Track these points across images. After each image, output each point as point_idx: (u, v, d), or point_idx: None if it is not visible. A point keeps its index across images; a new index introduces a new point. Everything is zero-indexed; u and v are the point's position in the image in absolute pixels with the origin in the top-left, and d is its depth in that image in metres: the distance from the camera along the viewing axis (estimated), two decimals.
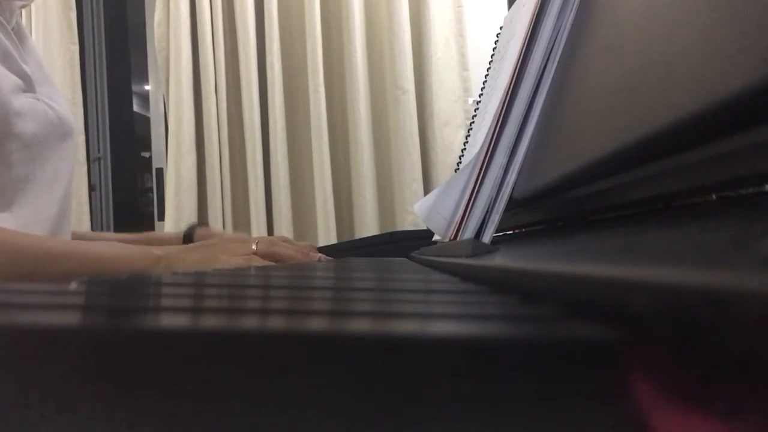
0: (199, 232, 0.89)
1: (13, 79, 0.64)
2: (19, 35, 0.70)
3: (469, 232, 0.42)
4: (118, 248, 0.68)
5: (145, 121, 2.00)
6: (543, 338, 0.10)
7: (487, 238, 0.41)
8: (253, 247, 0.66)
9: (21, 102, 0.65)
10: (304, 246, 0.83)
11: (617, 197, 0.30)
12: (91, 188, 1.90)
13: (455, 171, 0.55)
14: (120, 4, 2.09)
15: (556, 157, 0.35)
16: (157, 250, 0.63)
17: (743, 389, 0.08)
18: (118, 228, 2.04)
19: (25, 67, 0.67)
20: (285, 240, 0.75)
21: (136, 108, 2.48)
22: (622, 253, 0.17)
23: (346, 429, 0.10)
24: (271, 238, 0.71)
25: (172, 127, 1.68)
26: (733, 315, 0.08)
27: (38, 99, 0.68)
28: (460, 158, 0.66)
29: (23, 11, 1.72)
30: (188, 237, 0.88)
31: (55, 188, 0.72)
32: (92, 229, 1.85)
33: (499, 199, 0.42)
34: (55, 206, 0.73)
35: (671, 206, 0.28)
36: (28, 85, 0.67)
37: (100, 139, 2.04)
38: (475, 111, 0.64)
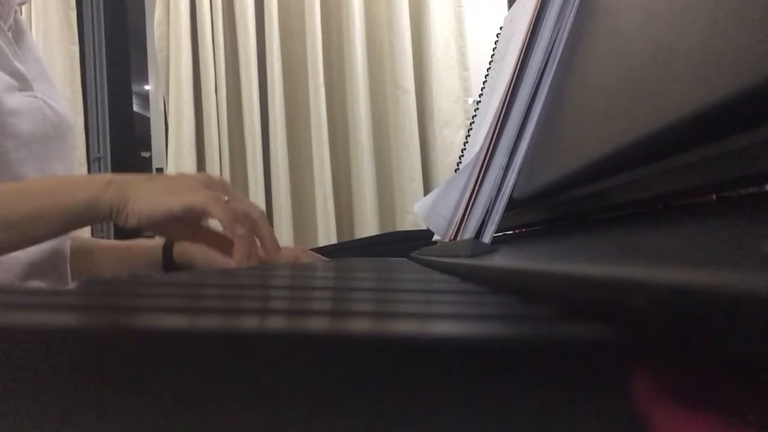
0: (178, 248, 0.73)
1: (5, 78, 0.64)
2: (16, 33, 0.70)
3: (469, 232, 0.42)
4: (60, 179, 0.60)
5: (145, 121, 2.00)
6: (543, 338, 0.10)
7: (487, 238, 0.41)
8: (225, 198, 0.55)
9: (16, 101, 0.64)
10: (288, 250, 0.76)
11: (617, 197, 0.30)
12: None
13: (455, 171, 0.55)
14: (120, 4, 2.09)
15: (556, 157, 0.35)
16: (107, 176, 0.56)
17: (743, 389, 0.08)
18: (118, 228, 2.03)
19: (19, 65, 0.66)
20: (261, 221, 0.58)
21: (136, 108, 2.48)
22: (622, 253, 0.17)
23: (346, 429, 0.10)
24: (246, 209, 0.56)
25: (172, 127, 1.68)
26: (734, 315, 0.08)
27: (35, 97, 0.68)
28: (460, 158, 0.66)
29: (23, 10, 1.73)
30: (167, 253, 0.74)
31: None
32: (92, 229, 1.84)
33: (499, 199, 0.42)
34: None
35: (671, 206, 0.28)
36: (24, 84, 0.67)
37: (100, 139, 2.04)
38: (475, 111, 0.64)
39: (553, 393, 0.10)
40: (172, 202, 0.53)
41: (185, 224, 0.56)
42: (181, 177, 0.60)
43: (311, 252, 0.83)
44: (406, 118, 1.55)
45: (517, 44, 0.46)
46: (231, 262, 0.58)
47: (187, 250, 0.72)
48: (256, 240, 0.58)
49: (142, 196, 0.54)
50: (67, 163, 0.74)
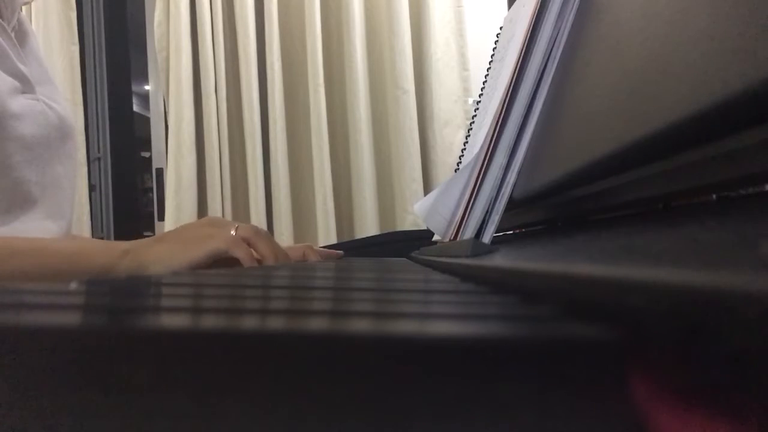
0: None
1: (9, 81, 0.64)
2: (19, 35, 0.70)
3: (469, 232, 0.42)
4: (78, 243, 0.63)
5: (145, 121, 2.00)
6: (543, 338, 0.10)
7: (487, 238, 0.41)
8: (232, 232, 0.60)
9: (19, 104, 0.64)
10: (294, 248, 0.78)
11: (617, 197, 0.30)
12: (91, 188, 1.90)
13: (455, 171, 0.55)
14: (120, 4, 2.09)
15: (556, 157, 0.35)
16: (123, 244, 0.59)
17: (743, 389, 0.08)
18: (118, 228, 2.04)
19: (22, 67, 0.66)
20: (263, 235, 0.64)
21: (136, 108, 2.48)
22: (622, 253, 0.18)
23: (346, 429, 0.10)
24: (253, 228, 0.62)
25: (172, 127, 1.68)
26: (733, 315, 0.08)
27: (38, 99, 0.68)
28: (460, 158, 0.66)
29: (23, 10, 1.72)
30: None
31: (61, 191, 0.72)
32: (92, 229, 1.85)
33: (499, 199, 0.42)
34: (64, 208, 0.73)
35: (671, 206, 0.28)
36: (27, 86, 0.67)
37: (100, 139, 2.04)
38: (475, 111, 0.64)
39: (553, 393, 0.10)
40: (195, 253, 0.57)
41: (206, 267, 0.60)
42: (190, 228, 0.64)
43: (317, 249, 0.83)
44: (406, 118, 1.55)
45: (517, 44, 0.46)
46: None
47: None
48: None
49: (160, 258, 0.57)
50: (68, 166, 0.74)
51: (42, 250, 0.57)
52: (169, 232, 0.65)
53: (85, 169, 1.79)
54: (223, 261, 0.61)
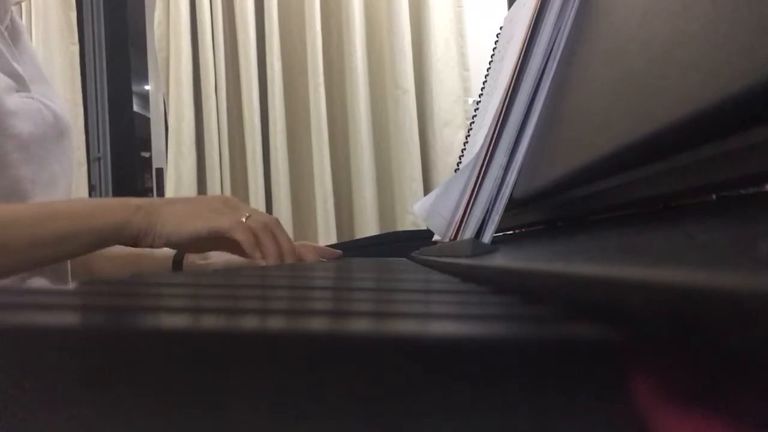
0: (191, 258, 0.76)
1: (4, 79, 0.64)
2: (12, 34, 0.70)
3: (469, 232, 0.42)
4: (92, 202, 0.64)
5: (145, 121, 2.00)
6: (543, 338, 0.10)
7: (487, 238, 0.41)
8: (243, 218, 0.60)
9: (14, 101, 0.64)
10: (302, 244, 0.79)
11: (617, 197, 0.30)
12: (91, 188, 1.90)
13: (455, 171, 0.55)
14: (120, 4, 2.09)
15: (556, 157, 0.35)
16: (137, 201, 0.59)
17: (743, 389, 0.08)
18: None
19: (17, 66, 0.66)
20: (277, 228, 0.65)
21: (136, 108, 2.48)
22: (622, 253, 0.17)
23: (346, 429, 0.10)
24: (265, 220, 0.63)
25: (172, 127, 1.68)
26: (733, 315, 0.08)
27: (33, 98, 0.68)
28: (460, 158, 0.66)
29: (22, 11, 1.72)
30: (177, 263, 0.76)
31: (56, 189, 0.71)
32: None
33: (499, 199, 0.42)
34: None
35: (671, 206, 0.28)
36: (22, 85, 0.67)
37: (100, 139, 2.04)
38: (475, 111, 0.64)
39: (554, 393, 0.10)
40: (199, 225, 0.58)
41: (207, 242, 0.60)
42: (202, 199, 0.64)
43: (317, 247, 0.83)
44: (406, 118, 1.55)
45: (517, 44, 0.46)
46: (256, 262, 0.62)
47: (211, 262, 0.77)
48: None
49: (168, 221, 0.58)
50: (65, 164, 0.73)
51: (54, 212, 0.57)
52: (185, 198, 0.66)
53: (85, 169, 1.79)
54: (227, 244, 0.61)
